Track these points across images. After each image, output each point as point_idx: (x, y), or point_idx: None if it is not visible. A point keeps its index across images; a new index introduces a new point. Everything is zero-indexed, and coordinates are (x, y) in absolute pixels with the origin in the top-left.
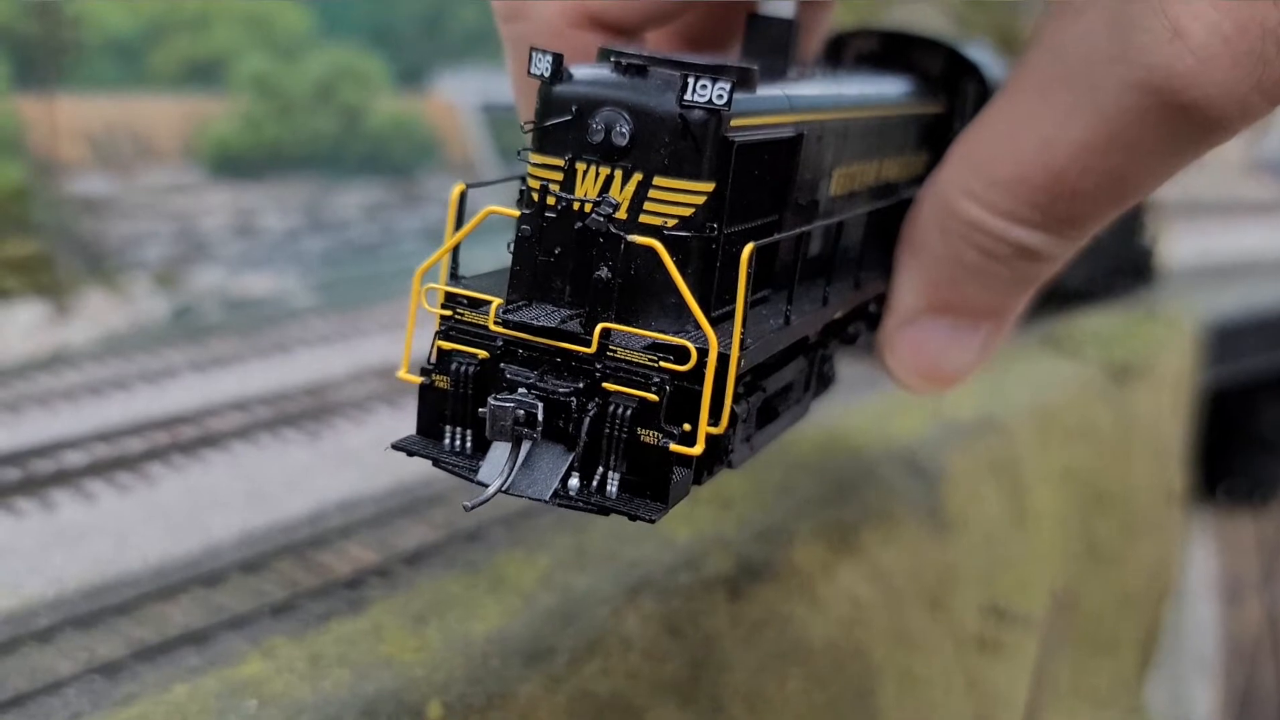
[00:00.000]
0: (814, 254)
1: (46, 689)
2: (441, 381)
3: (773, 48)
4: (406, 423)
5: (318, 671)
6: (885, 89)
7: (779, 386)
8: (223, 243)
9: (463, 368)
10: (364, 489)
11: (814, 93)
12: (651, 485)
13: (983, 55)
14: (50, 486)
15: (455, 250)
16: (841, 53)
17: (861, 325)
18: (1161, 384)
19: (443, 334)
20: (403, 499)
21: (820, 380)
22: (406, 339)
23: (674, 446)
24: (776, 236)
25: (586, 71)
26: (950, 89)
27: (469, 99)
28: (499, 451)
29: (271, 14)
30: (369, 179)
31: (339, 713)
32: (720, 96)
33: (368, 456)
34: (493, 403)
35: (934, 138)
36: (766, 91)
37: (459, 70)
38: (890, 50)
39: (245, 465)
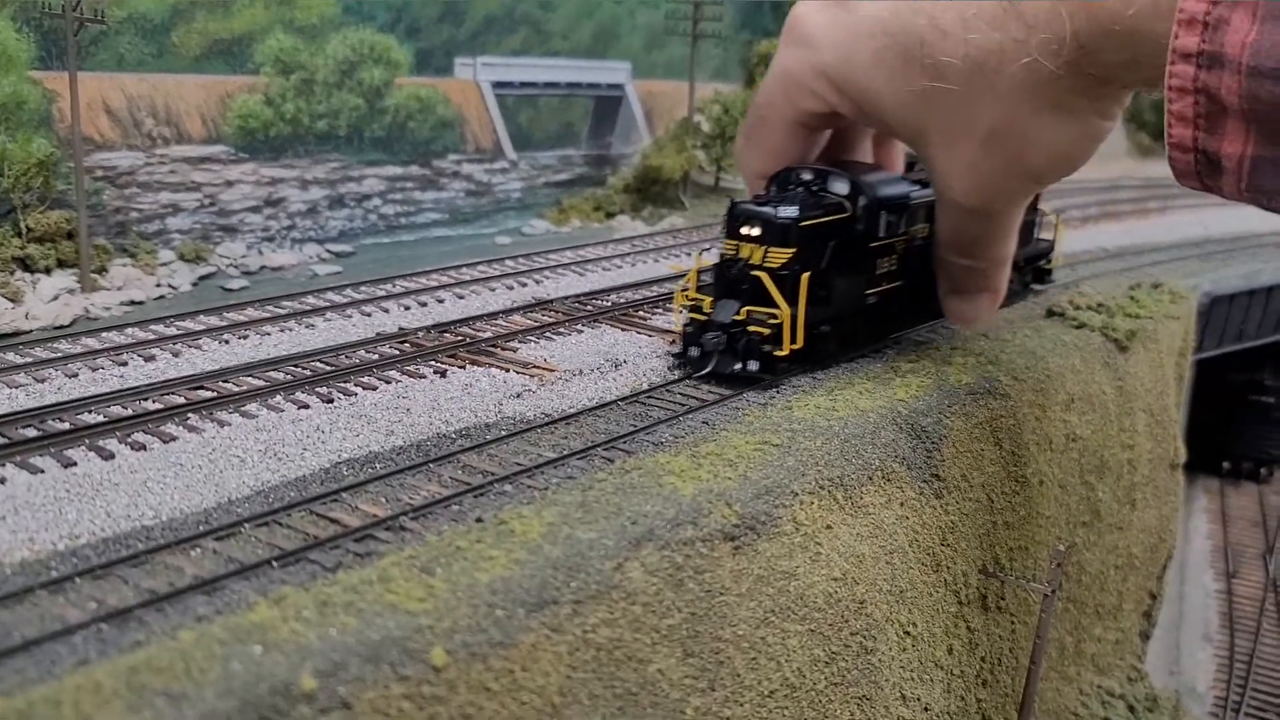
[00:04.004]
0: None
1: (54, 636)
2: (688, 327)
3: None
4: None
5: (325, 618)
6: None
7: (839, 331)
8: (246, 217)
9: (694, 324)
10: (376, 448)
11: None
12: (767, 368)
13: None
14: (67, 444)
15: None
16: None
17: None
18: (1164, 354)
19: (690, 308)
20: (414, 457)
21: (872, 334)
22: (685, 295)
23: (776, 351)
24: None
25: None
26: (854, 200)
27: (485, 79)
28: (708, 356)
29: None
30: (390, 155)
31: (344, 658)
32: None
33: (381, 417)
34: (706, 337)
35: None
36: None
37: (477, 53)
38: (818, 177)
39: (262, 425)
